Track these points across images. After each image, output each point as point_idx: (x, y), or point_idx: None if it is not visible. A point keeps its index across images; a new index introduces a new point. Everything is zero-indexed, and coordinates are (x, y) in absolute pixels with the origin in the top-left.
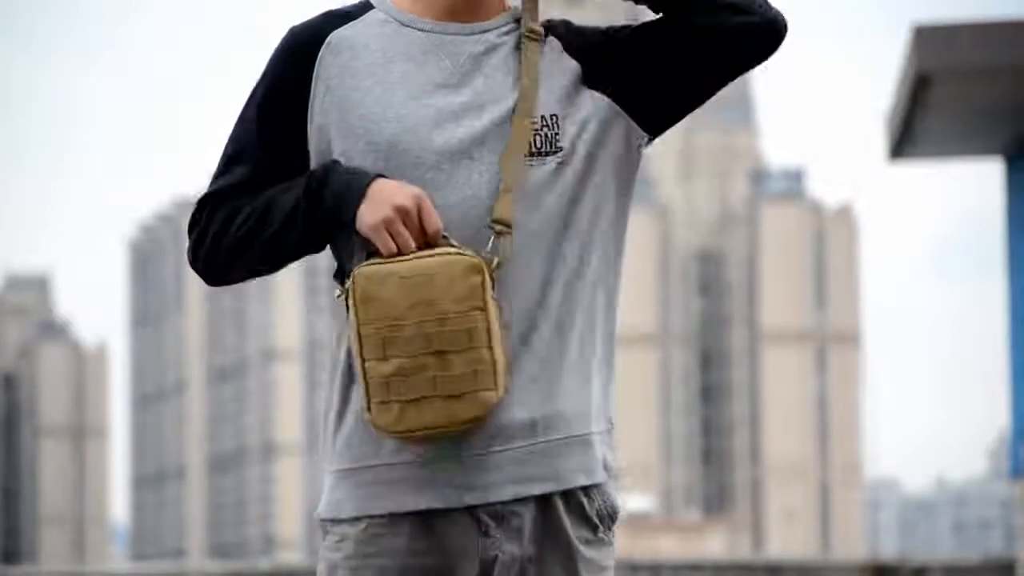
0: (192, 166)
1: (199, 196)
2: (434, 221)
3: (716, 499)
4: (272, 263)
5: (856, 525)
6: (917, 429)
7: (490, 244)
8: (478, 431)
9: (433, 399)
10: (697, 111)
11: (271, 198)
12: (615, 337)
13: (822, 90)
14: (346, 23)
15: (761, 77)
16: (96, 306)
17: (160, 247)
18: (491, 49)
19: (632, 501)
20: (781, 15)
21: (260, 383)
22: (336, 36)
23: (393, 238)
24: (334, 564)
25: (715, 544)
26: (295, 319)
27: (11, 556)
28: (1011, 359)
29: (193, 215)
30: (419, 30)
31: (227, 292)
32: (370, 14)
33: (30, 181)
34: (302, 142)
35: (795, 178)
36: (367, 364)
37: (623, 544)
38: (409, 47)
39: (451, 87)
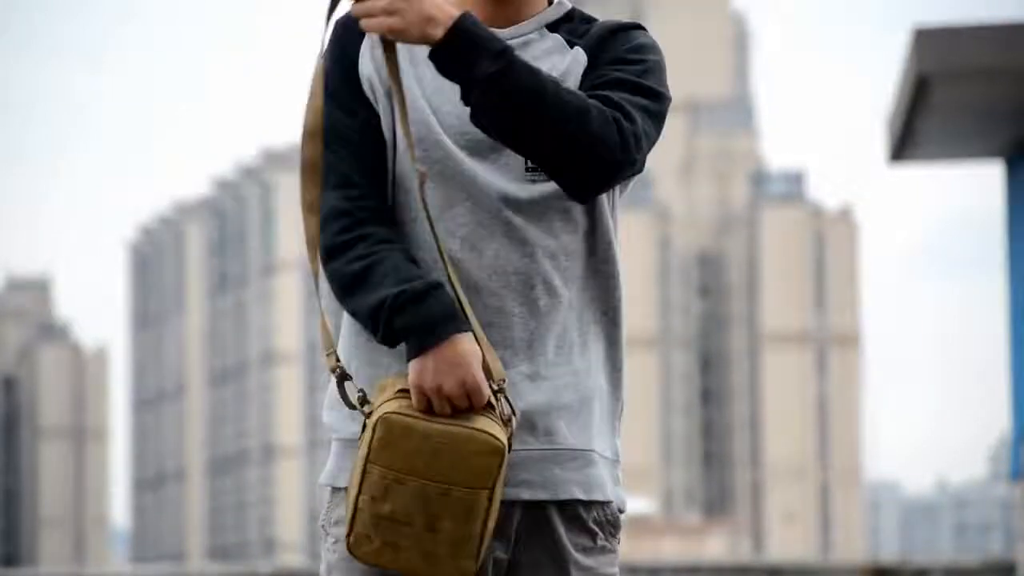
0: (192, 168)
1: (327, 211)
2: (480, 400)
3: (716, 501)
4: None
5: (857, 527)
6: (917, 431)
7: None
8: None
9: (411, 550)
10: (698, 113)
11: (373, 275)
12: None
13: (822, 92)
14: None
15: (762, 79)
16: (96, 308)
17: (160, 249)
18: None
19: (632, 503)
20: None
21: (260, 385)
22: None
23: (432, 403)
24: (331, 565)
25: (715, 546)
26: (295, 322)
27: (11, 558)
28: (1011, 361)
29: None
30: None
31: (227, 294)
32: None
33: (30, 182)
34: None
35: (795, 180)
36: (362, 498)
37: (623, 546)
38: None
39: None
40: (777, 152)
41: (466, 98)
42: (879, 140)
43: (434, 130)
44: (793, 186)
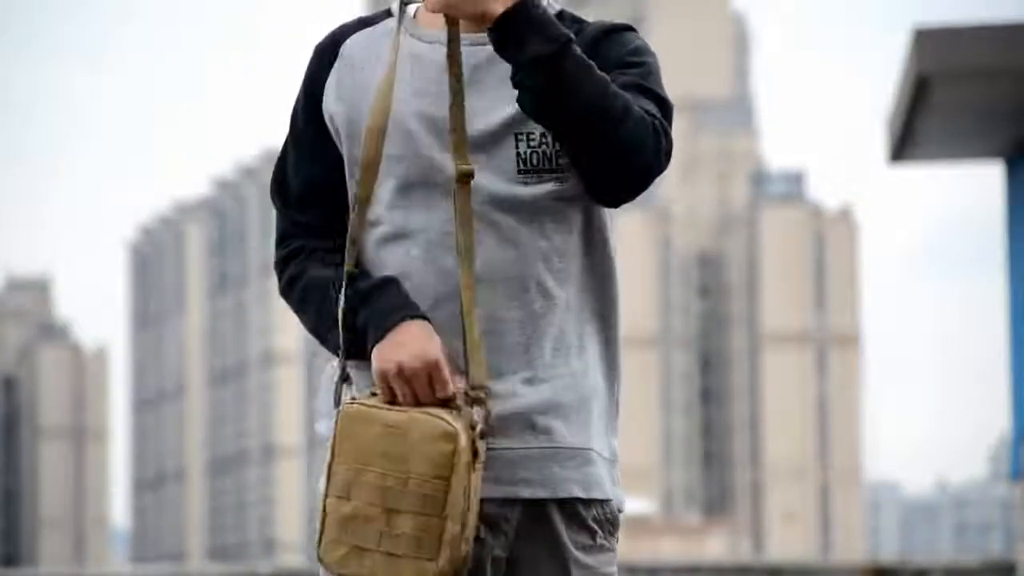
0: (192, 168)
1: (279, 242)
2: (444, 387)
3: (716, 501)
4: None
5: (856, 527)
6: (917, 431)
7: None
8: None
9: (375, 553)
10: (698, 113)
11: (321, 288)
12: (616, 366)
13: (822, 92)
14: (363, 29)
15: (762, 79)
16: (96, 308)
17: (160, 249)
18: (493, 60)
19: (632, 503)
20: (657, 160)
21: (260, 385)
22: (348, 42)
23: (394, 389)
24: None
25: (715, 546)
26: (295, 321)
27: (11, 559)
28: (1011, 361)
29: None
30: (420, 40)
31: (227, 294)
32: (385, 22)
33: (30, 182)
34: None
35: (795, 180)
36: (328, 501)
37: (622, 546)
38: (405, 56)
39: (440, 96)
40: (777, 152)
41: (514, 78)
42: (879, 140)
43: (419, 133)
44: (793, 186)
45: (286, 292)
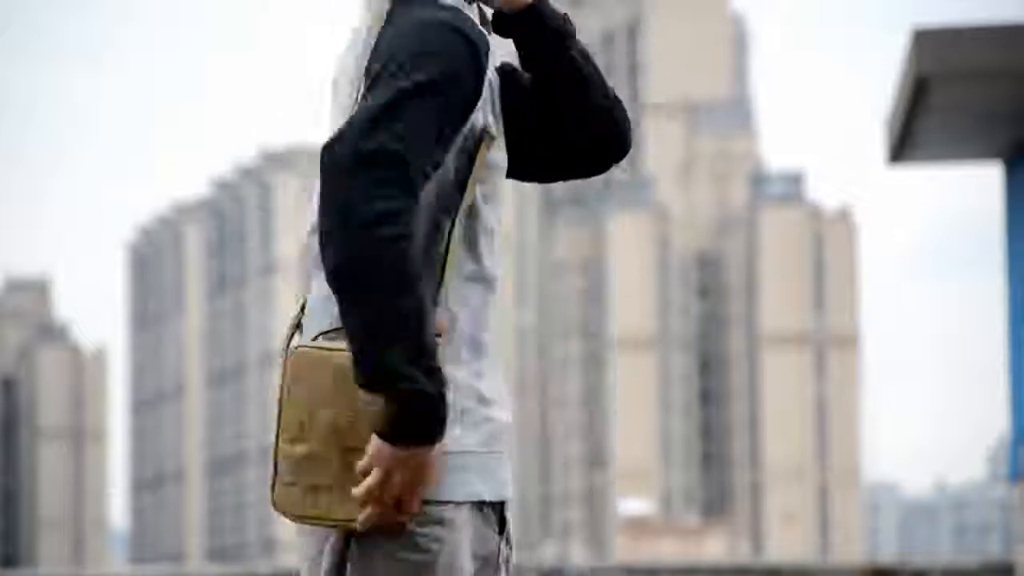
0: (191, 168)
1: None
2: (410, 507)
3: (715, 502)
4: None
5: (855, 528)
6: (916, 432)
7: None
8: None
9: (332, 489)
10: (697, 114)
11: (419, 300)
12: None
13: (821, 93)
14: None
15: (761, 80)
16: (95, 309)
17: (159, 250)
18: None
19: (631, 504)
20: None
21: (259, 386)
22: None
23: (375, 474)
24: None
25: (714, 547)
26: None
27: (10, 560)
28: (1010, 362)
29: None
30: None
31: (226, 295)
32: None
33: (30, 183)
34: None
35: (794, 181)
36: (282, 444)
37: (622, 547)
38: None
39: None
40: (776, 153)
41: (533, 60)
42: (878, 141)
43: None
44: (792, 187)
45: (385, 252)
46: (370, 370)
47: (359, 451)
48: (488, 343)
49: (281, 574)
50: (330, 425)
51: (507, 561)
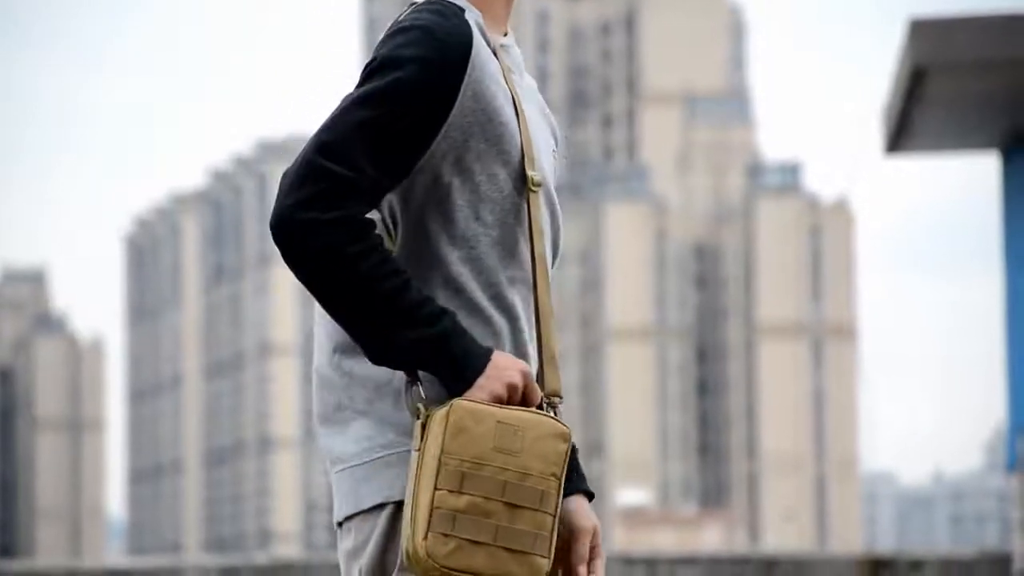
0: (188, 159)
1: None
2: (535, 397)
3: (712, 493)
4: (352, 323)
5: (853, 519)
6: (914, 423)
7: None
8: None
9: (490, 547)
10: (694, 105)
11: (411, 291)
12: None
13: (818, 84)
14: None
15: (758, 71)
16: (92, 300)
17: (157, 241)
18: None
19: (628, 495)
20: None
21: (257, 377)
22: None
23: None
24: None
25: (711, 537)
26: (291, 313)
27: (7, 550)
28: (1008, 352)
29: (348, 211)
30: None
31: (223, 286)
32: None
33: (27, 175)
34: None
35: (791, 172)
36: (438, 493)
37: (619, 537)
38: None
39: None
40: (773, 144)
41: None
42: (875, 131)
43: None
44: (789, 177)
45: (359, 254)
46: (387, 361)
47: (524, 508)
48: (532, 354)
49: (279, 564)
50: (495, 480)
51: None
